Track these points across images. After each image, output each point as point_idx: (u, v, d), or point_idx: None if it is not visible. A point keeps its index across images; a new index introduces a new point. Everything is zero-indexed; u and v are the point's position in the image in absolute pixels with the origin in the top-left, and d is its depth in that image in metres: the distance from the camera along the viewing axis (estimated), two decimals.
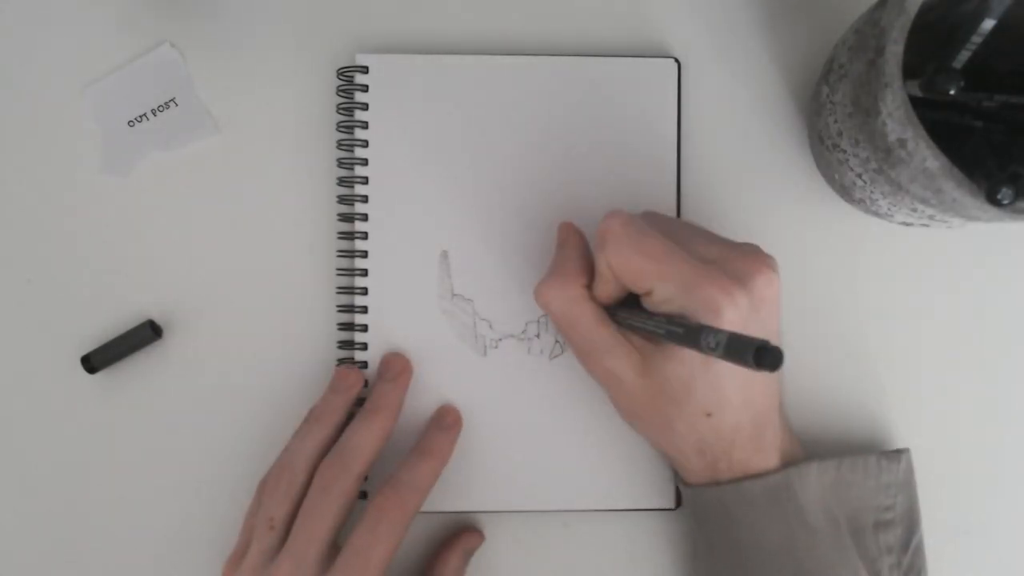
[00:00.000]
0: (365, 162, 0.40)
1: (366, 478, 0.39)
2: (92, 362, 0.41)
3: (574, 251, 0.36)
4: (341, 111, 0.41)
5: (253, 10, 0.42)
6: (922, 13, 0.30)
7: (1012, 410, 0.42)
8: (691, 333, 0.28)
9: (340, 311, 0.41)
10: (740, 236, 0.41)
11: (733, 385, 0.33)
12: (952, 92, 0.31)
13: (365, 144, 0.40)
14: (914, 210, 0.34)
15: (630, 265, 0.33)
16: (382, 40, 0.42)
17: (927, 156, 0.30)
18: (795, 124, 0.42)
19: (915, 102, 0.30)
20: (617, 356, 0.34)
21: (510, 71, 0.41)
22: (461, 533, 0.40)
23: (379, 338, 0.40)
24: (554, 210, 0.40)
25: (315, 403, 0.39)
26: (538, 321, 0.40)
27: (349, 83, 0.41)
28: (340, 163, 0.41)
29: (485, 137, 0.41)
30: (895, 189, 0.33)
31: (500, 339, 0.40)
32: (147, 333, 0.41)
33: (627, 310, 0.35)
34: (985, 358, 0.42)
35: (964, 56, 0.33)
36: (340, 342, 0.41)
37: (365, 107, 0.40)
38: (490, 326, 0.40)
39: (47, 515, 0.41)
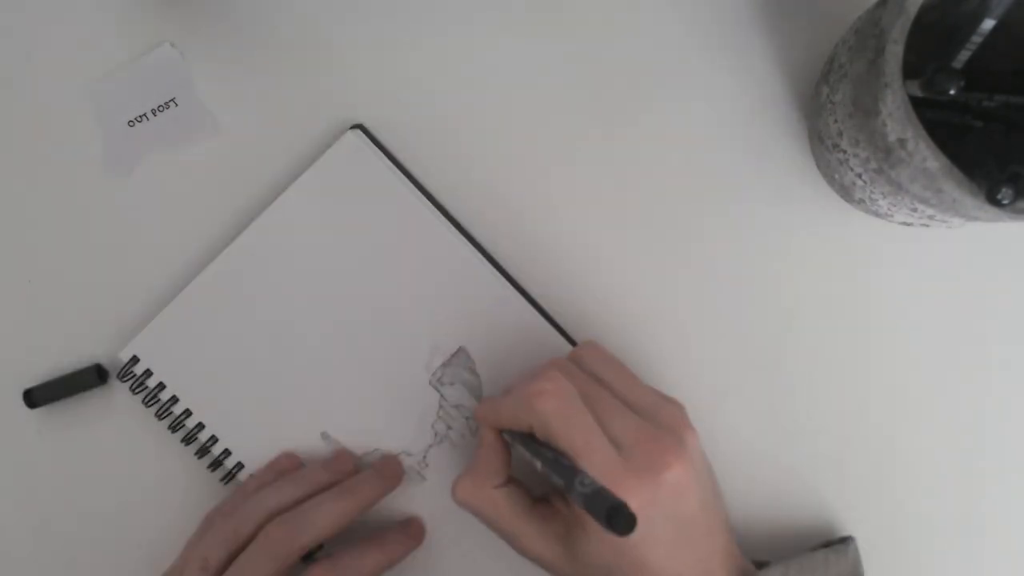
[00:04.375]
0: None
1: (320, 547, 0.38)
2: (33, 397, 0.40)
3: (490, 452, 0.36)
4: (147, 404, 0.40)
5: (254, 10, 0.42)
6: (922, 13, 0.30)
7: (1013, 409, 0.42)
8: (568, 477, 0.29)
9: None
10: (740, 236, 0.41)
11: (657, 559, 0.32)
12: (952, 92, 0.31)
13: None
14: (914, 210, 0.34)
15: (556, 439, 0.33)
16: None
17: (927, 156, 0.30)
18: (795, 124, 0.42)
19: (915, 102, 0.30)
20: (539, 545, 0.35)
21: None
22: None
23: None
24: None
25: (288, 460, 0.40)
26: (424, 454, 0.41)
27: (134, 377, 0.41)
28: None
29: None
30: (895, 189, 0.33)
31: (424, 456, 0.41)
32: (92, 378, 0.40)
33: (522, 437, 0.35)
34: (986, 357, 0.42)
35: (964, 56, 0.33)
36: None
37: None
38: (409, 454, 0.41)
39: None
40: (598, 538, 0.33)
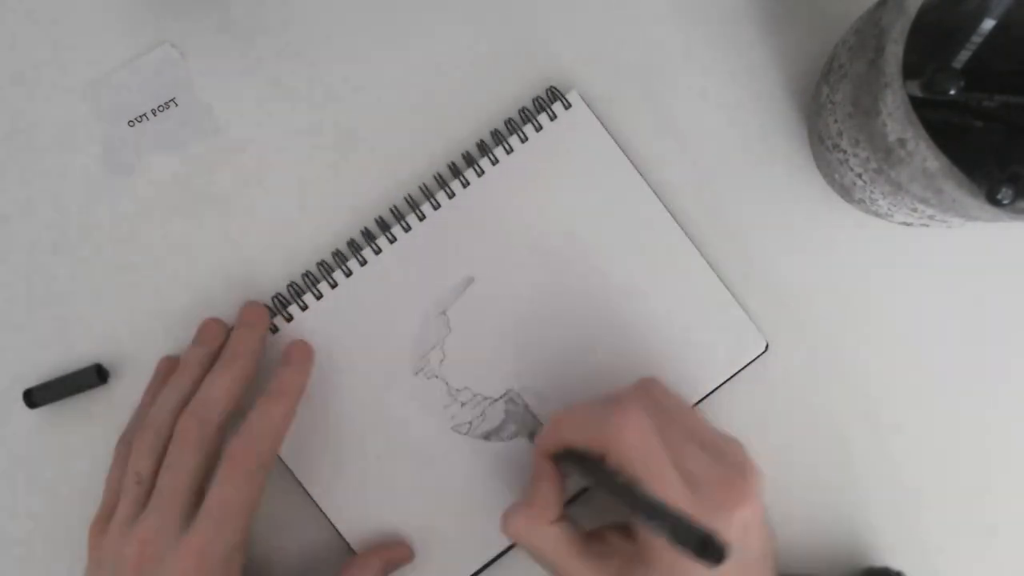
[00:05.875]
0: None
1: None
2: (33, 397, 0.40)
3: (549, 485, 0.35)
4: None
5: (254, 10, 0.42)
6: (922, 13, 0.30)
7: (1012, 408, 0.42)
8: (651, 508, 0.28)
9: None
10: (740, 236, 0.41)
11: None
12: (952, 92, 0.31)
13: None
14: (914, 210, 0.34)
15: (636, 473, 0.32)
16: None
17: (927, 156, 0.30)
18: (795, 124, 0.42)
19: (915, 102, 0.30)
20: None
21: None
22: (391, 544, 0.40)
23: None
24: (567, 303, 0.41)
25: (166, 362, 0.40)
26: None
27: None
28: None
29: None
30: (895, 189, 0.33)
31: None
32: (92, 378, 0.40)
33: (587, 465, 0.34)
34: (986, 357, 0.42)
35: (964, 56, 0.33)
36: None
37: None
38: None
39: None
40: (663, 574, 0.32)
